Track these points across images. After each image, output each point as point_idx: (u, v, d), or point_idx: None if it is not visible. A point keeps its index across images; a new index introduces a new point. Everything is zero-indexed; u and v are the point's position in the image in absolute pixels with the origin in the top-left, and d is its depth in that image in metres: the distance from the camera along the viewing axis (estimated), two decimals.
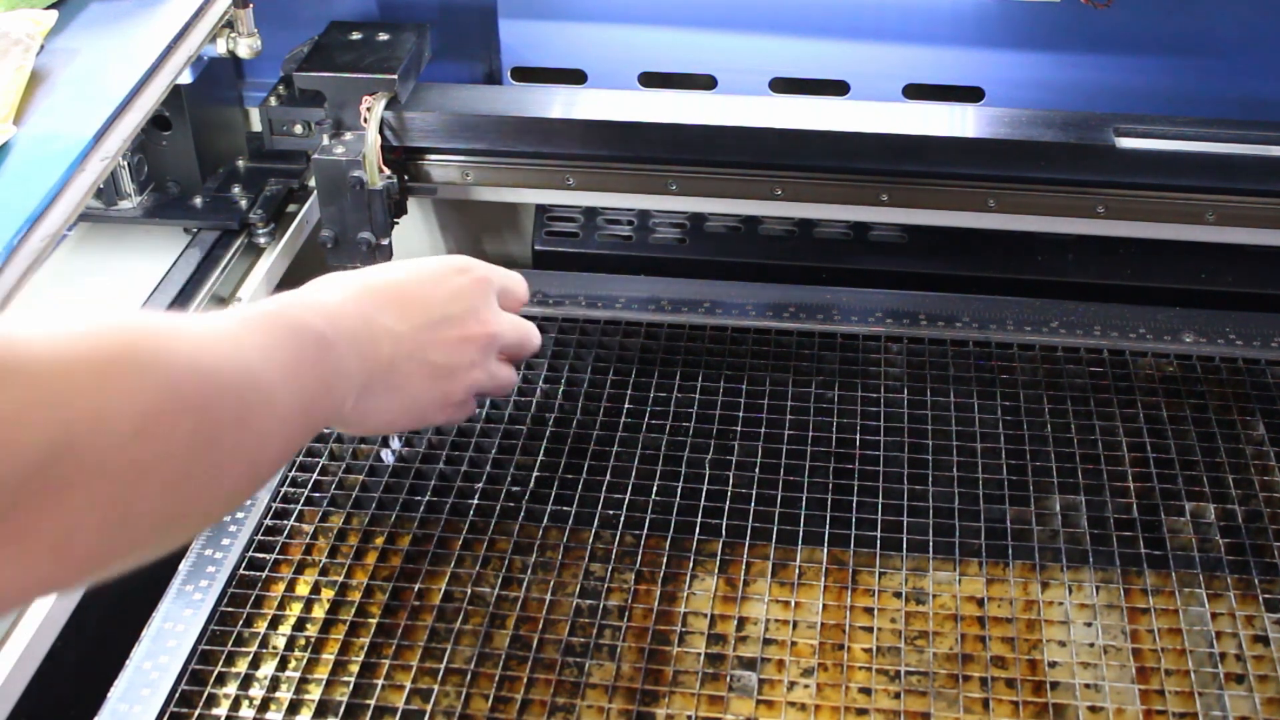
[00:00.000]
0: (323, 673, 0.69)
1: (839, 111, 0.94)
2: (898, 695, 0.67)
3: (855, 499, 0.78)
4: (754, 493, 0.79)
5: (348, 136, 0.92)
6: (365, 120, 0.91)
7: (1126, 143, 0.90)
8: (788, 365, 0.88)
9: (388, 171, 0.91)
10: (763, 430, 0.83)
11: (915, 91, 1.02)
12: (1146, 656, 0.69)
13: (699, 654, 0.69)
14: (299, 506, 0.78)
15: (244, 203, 0.98)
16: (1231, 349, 0.89)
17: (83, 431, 0.43)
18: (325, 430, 0.83)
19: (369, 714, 0.67)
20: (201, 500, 0.51)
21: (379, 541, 0.76)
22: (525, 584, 0.73)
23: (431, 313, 0.68)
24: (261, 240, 0.97)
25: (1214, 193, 0.90)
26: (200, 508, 0.51)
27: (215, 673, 0.69)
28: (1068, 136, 0.90)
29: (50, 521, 0.43)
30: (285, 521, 0.77)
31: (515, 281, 0.76)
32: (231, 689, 0.68)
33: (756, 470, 0.80)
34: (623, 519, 0.77)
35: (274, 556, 0.75)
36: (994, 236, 1.00)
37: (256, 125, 1.03)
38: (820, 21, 1.01)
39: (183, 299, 0.89)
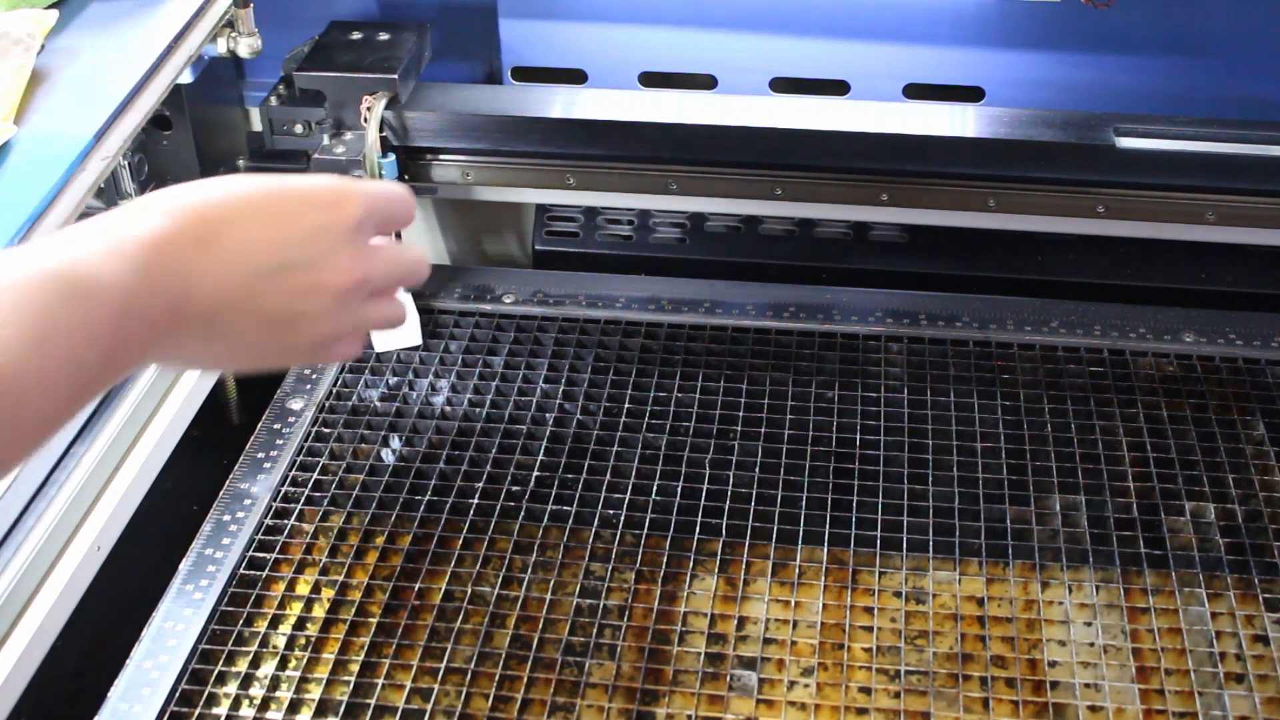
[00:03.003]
0: (323, 672, 0.69)
1: (839, 111, 0.94)
2: (898, 695, 0.67)
3: (855, 499, 0.78)
4: (754, 493, 0.79)
5: (348, 136, 0.92)
6: (365, 120, 0.91)
7: (1126, 143, 0.90)
8: (788, 365, 0.88)
9: (391, 156, 0.91)
10: (763, 430, 0.83)
11: (915, 91, 1.02)
12: (1146, 656, 0.69)
13: (699, 654, 0.69)
14: (299, 506, 0.78)
15: None
16: (1231, 349, 0.89)
17: None
18: (325, 430, 0.83)
19: (369, 714, 0.67)
20: None
21: (379, 541, 0.76)
22: (525, 584, 0.73)
23: (274, 256, 0.57)
24: None
25: (1214, 193, 0.90)
26: None
27: (215, 672, 0.69)
28: (1068, 136, 0.90)
29: None
30: (285, 521, 0.77)
31: (394, 205, 0.64)
32: (231, 688, 0.68)
33: (756, 470, 0.80)
34: (623, 519, 0.77)
35: (274, 556, 0.75)
36: (994, 236, 1.00)
37: (257, 125, 1.03)
38: (820, 21, 1.01)
39: None
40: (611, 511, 0.78)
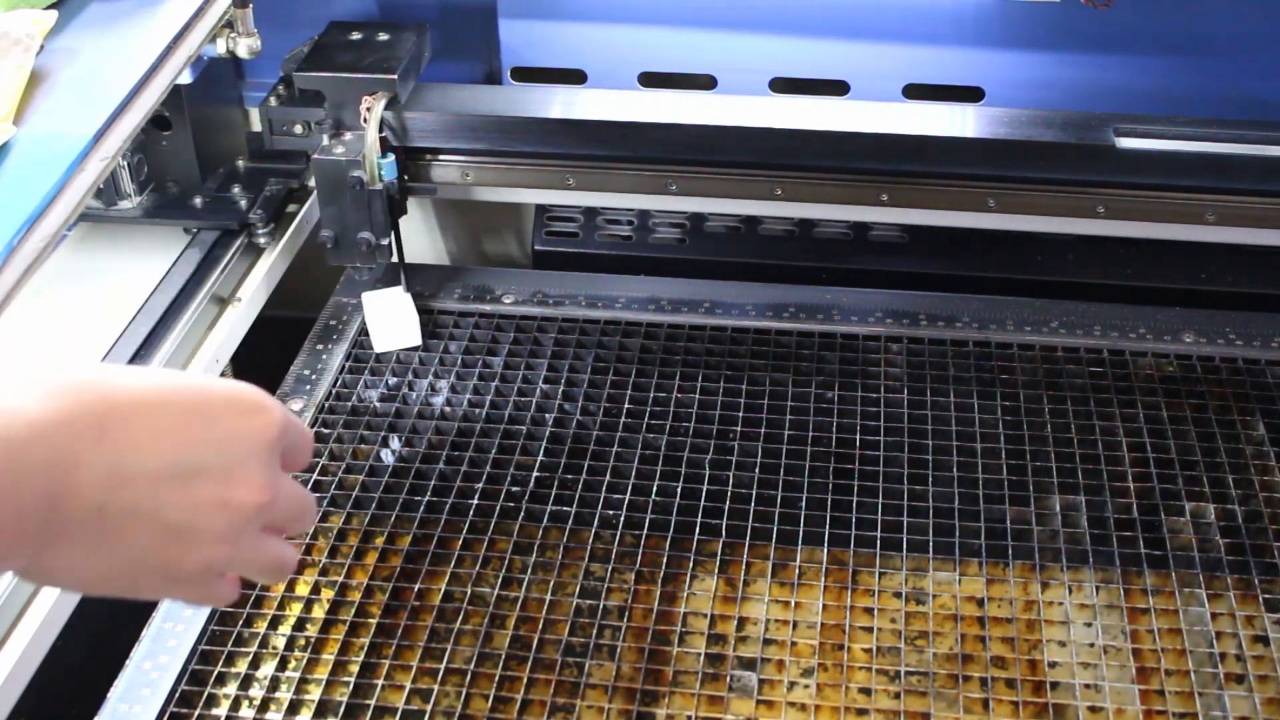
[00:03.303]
0: (323, 673, 0.69)
1: (839, 111, 0.94)
2: (898, 695, 0.67)
3: (855, 499, 0.78)
4: (754, 493, 0.79)
5: (348, 136, 0.92)
6: (365, 120, 0.91)
7: (1126, 143, 0.90)
8: (788, 365, 0.88)
9: (391, 157, 0.91)
10: (763, 430, 0.83)
11: (915, 91, 1.02)
12: (1146, 656, 0.69)
13: (699, 654, 0.69)
14: None
15: (244, 203, 0.98)
16: (1231, 349, 0.89)
17: None
18: (325, 430, 0.83)
19: (369, 714, 0.67)
20: None
21: (379, 541, 0.76)
22: (525, 584, 0.73)
23: (182, 457, 0.50)
24: (261, 240, 0.97)
25: (1214, 193, 0.90)
26: None
27: (215, 673, 0.69)
28: (1068, 136, 0.90)
29: None
30: None
31: (304, 438, 0.56)
32: (231, 689, 0.68)
33: (756, 470, 0.80)
34: (623, 519, 0.77)
35: None
36: (994, 236, 1.00)
37: (256, 125, 1.03)
38: (820, 21, 1.01)
39: (182, 299, 0.89)
40: (611, 512, 0.78)
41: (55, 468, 0.47)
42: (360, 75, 0.92)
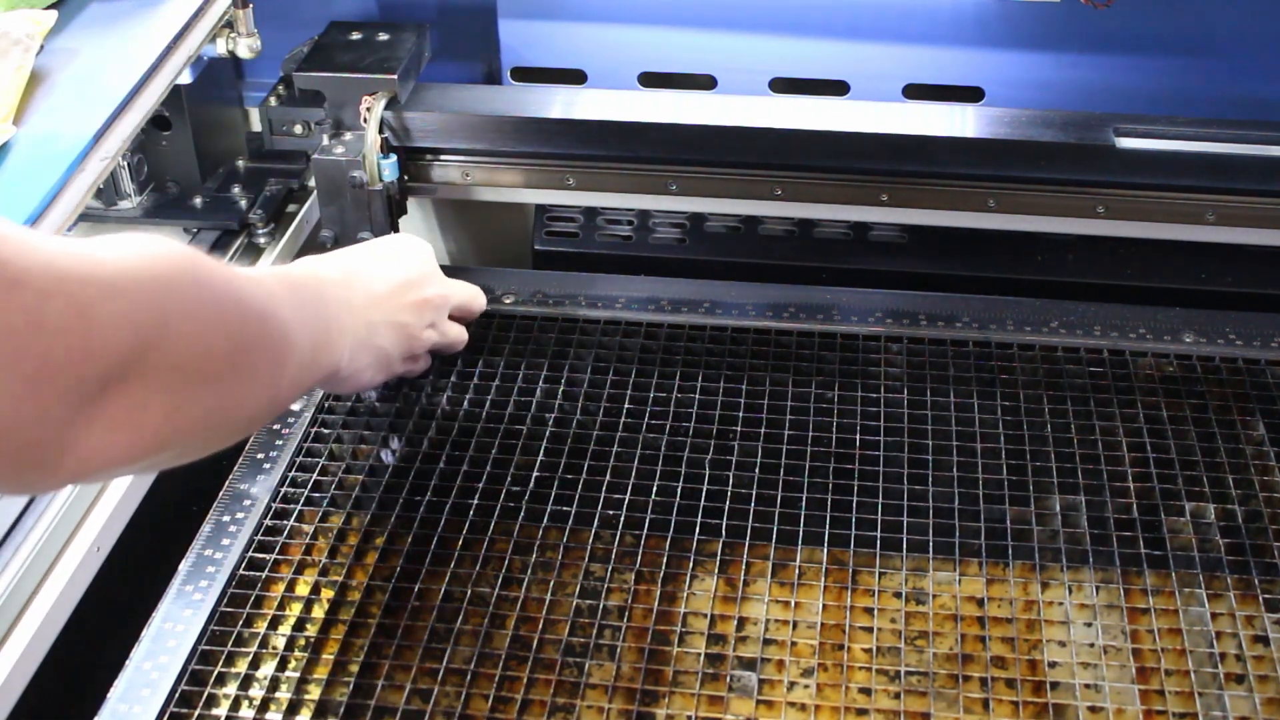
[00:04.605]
0: (323, 673, 0.69)
1: (839, 111, 0.94)
2: (898, 695, 0.67)
3: (855, 499, 0.78)
4: (754, 493, 0.79)
5: (348, 136, 0.92)
6: (365, 120, 0.91)
7: (1126, 143, 0.90)
8: (788, 365, 0.88)
9: (392, 157, 0.91)
10: (763, 430, 0.83)
11: (915, 91, 1.02)
12: (1146, 656, 0.69)
13: (699, 654, 0.69)
14: (299, 506, 0.78)
15: (244, 203, 0.98)
16: (1231, 349, 0.89)
17: (155, 333, 0.54)
18: (324, 430, 0.83)
19: (369, 714, 0.67)
20: (236, 404, 0.60)
21: (379, 541, 0.76)
22: (525, 584, 0.73)
23: (398, 278, 0.79)
24: (261, 240, 0.97)
25: (1214, 193, 0.90)
26: (235, 410, 0.61)
27: (215, 673, 0.69)
28: (1068, 136, 0.90)
29: (129, 403, 0.53)
30: (285, 521, 0.77)
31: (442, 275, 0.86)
32: (231, 689, 0.68)
33: (756, 470, 0.80)
34: (623, 519, 0.77)
35: (274, 556, 0.75)
36: (994, 236, 1.00)
37: (256, 125, 1.03)
38: (820, 21, 1.01)
39: None
40: (611, 512, 0.78)
41: (352, 303, 0.74)
42: (360, 75, 0.92)
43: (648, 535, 0.76)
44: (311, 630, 0.71)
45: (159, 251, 0.56)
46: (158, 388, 0.54)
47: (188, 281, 0.56)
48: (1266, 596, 0.72)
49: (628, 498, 0.78)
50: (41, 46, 0.83)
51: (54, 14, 0.85)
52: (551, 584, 0.73)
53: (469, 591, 0.73)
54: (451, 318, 0.85)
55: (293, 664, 0.69)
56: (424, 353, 0.83)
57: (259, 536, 0.76)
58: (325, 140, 0.92)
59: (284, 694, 0.68)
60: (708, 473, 0.80)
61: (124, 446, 0.54)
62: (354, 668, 0.69)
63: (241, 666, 0.69)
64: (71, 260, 0.51)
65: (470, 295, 0.87)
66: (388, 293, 0.78)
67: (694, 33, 1.02)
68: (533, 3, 1.03)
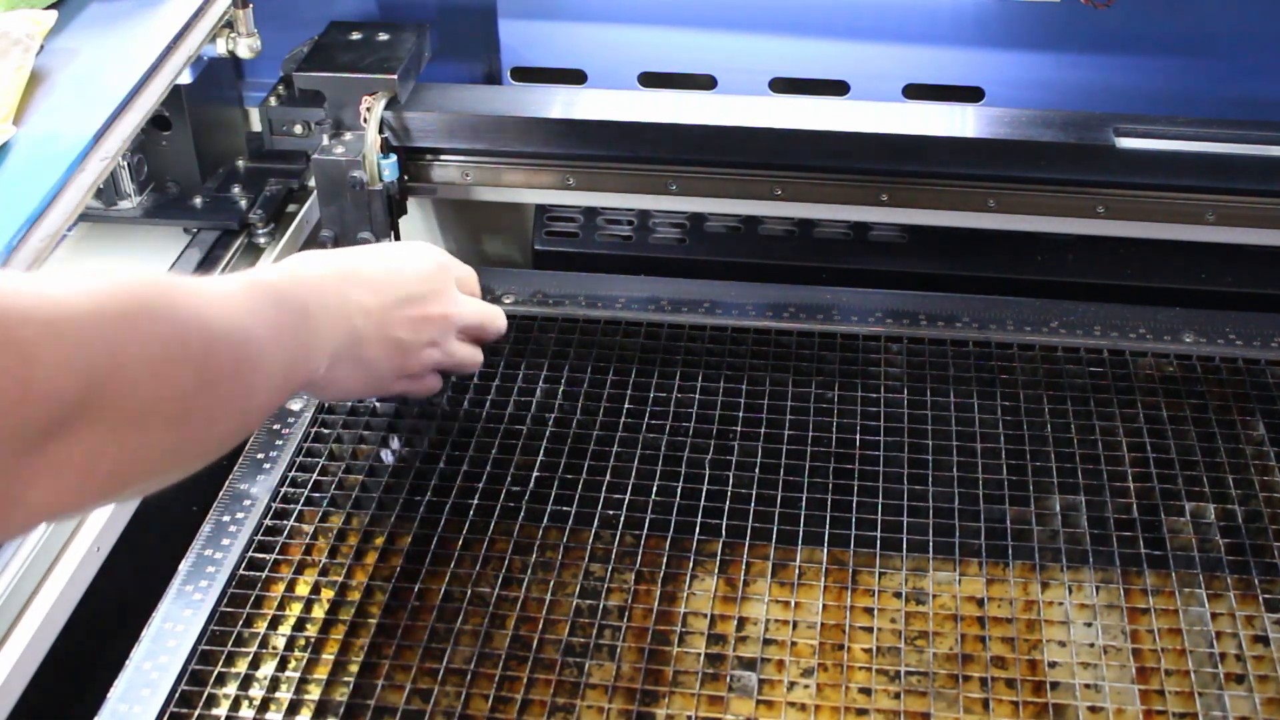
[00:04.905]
0: (323, 673, 0.69)
1: (839, 111, 0.94)
2: (898, 695, 0.67)
3: (855, 499, 0.78)
4: (754, 493, 0.79)
5: (348, 136, 0.92)
6: (365, 120, 0.91)
7: (1126, 143, 0.90)
8: (788, 365, 0.88)
9: (392, 157, 0.91)
10: (763, 430, 0.83)
11: (915, 91, 1.02)
12: (1146, 656, 0.69)
13: (699, 654, 0.69)
14: (299, 506, 0.78)
15: (244, 203, 0.98)
16: (1231, 349, 0.89)
17: (105, 374, 0.50)
18: (324, 430, 0.83)
19: (369, 714, 0.67)
20: (200, 439, 0.57)
21: (379, 541, 0.76)
22: (525, 584, 0.73)
23: (398, 291, 0.74)
24: (261, 240, 0.97)
25: (1214, 193, 0.90)
26: (198, 446, 0.58)
27: (215, 673, 0.69)
28: (1068, 136, 0.90)
29: (78, 449, 0.50)
30: (285, 521, 0.77)
31: (468, 272, 0.82)
32: (231, 689, 0.68)
33: (756, 470, 0.80)
34: (623, 519, 0.77)
35: (274, 556, 0.75)
36: (994, 236, 1.00)
37: (256, 125, 1.03)
38: (820, 21, 1.01)
39: None
40: (611, 512, 0.78)
41: (336, 313, 0.69)
42: (360, 75, 0.92)
43: (648, 535, 0.76)
44: (311, 630, 0.71)
45: (114, 286, 0.52)
46: (109, 432, 0.51)
47: (144, 319, 0.52)
48: (1266, 596, 0.72)
49: (628, 498, 0.78)
50: (41, 46, 0.83)
51: (54, 14, 0.85)
52: (551, 584, 0.73)
53: (469, 591, 0.73)
54: (467, 338, 0.80)
55: (293, 664, 0.69)
56: (428, 373, 0.78)
57: (259, 536, 0.76)
58: (325, 140, 0.92)
59: (284, 694, 0.68)
60: (708, 473, 0.80)
61: (74, 493, 0.51)
62: (354, 668, 0.69)
63: (241, 666, 0.69)
64: (11, 298, 0.47)
65: (486, 316, 0.80)
66: (382, 305, 0.72)
67: (694, 33, 1.02)
68: (533, 3, 1.03)
